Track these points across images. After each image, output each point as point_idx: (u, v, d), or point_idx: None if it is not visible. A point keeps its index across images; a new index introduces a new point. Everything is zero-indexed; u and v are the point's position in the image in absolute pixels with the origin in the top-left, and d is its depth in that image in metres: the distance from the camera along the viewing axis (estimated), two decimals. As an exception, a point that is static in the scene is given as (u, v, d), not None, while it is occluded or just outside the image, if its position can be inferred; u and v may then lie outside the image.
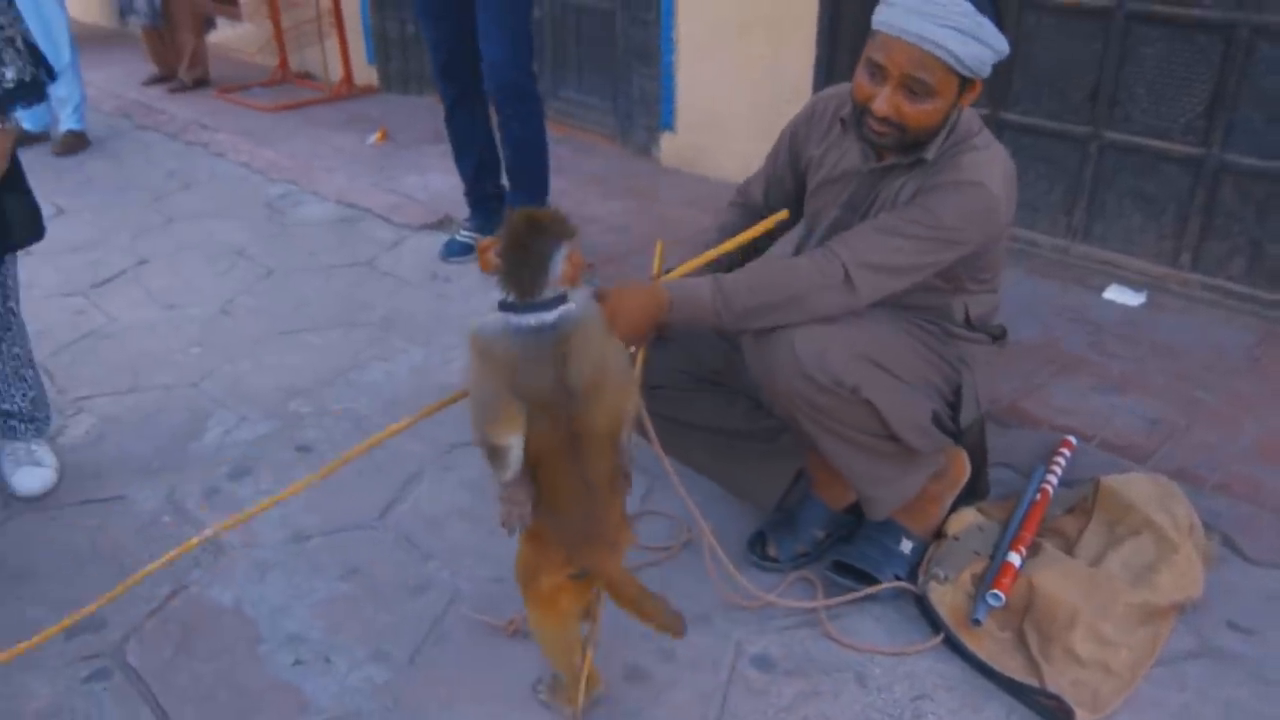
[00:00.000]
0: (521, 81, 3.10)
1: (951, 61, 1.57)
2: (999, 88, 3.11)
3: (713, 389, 1.97)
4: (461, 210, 3.54)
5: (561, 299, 1.32)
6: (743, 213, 2.01)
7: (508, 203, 3.33)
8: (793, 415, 1.73)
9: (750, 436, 1.97)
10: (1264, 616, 1.82)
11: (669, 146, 4.11)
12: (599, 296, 1.52)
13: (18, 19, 1.94)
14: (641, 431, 1.73)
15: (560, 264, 1.30)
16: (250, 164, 4.37)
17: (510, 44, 3.02)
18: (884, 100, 1.62)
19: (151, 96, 5.40)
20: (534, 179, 3.25)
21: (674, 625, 1.50)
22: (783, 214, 1.85)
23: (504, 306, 1.32)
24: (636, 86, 4.15)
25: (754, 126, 3.76)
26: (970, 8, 1.55)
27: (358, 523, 2.10)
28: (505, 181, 3.37)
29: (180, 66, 5.54)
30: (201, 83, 5.52)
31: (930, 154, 1.69)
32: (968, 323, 1.86)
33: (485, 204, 3.41)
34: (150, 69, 5.67)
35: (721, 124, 3.88)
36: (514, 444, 1.33)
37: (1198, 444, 2.25)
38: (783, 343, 1.66)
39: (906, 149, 1.71)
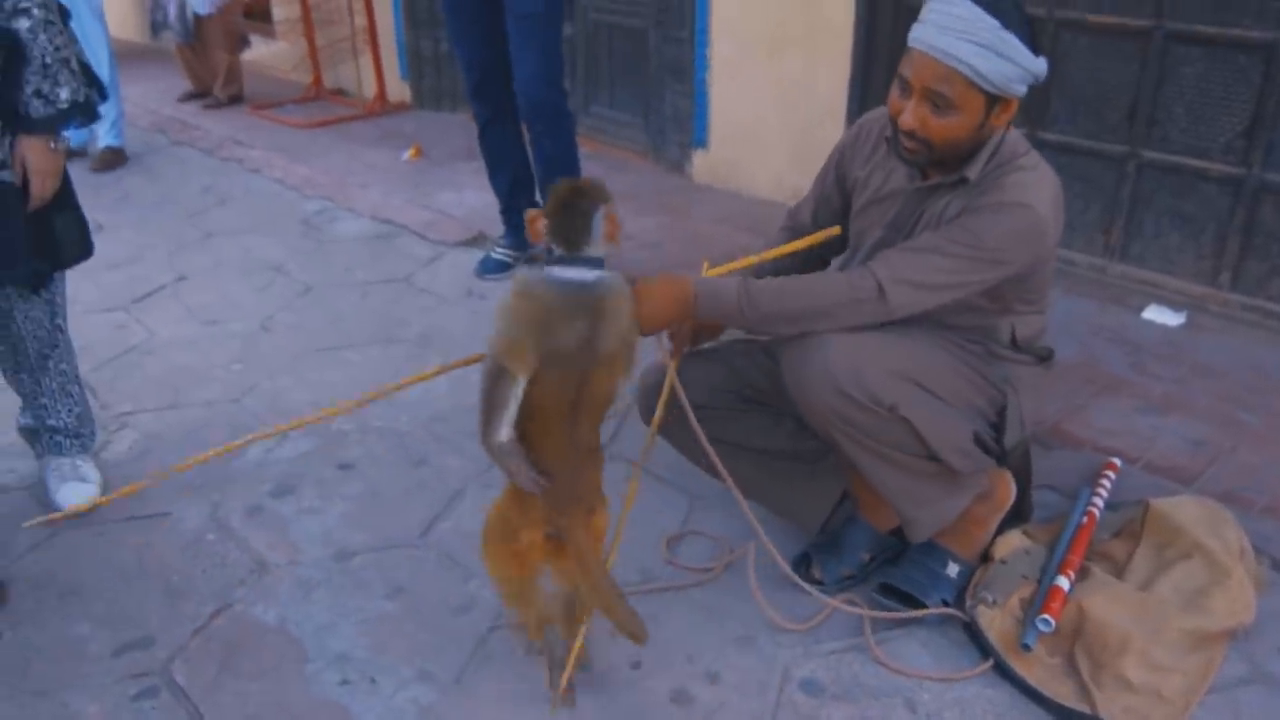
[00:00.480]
0: (553, 99, 3.13)
1: (972, 76, 1.57)
2: (1036, 107, 3.10)
3: (758, 409, 1.97)
4: (496, 227, 3.56)
5: (601, 263, 1.47)
6: (792, 236, 2.01)
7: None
8: (829, 432, 1.73)
9: (795, 457, 1.97)
10: (1317, 644, 1.80)
11: (701, 163, 4.12)
12: (629, 281, 1.59)
13: (72, 40, 1.97)
14: (690, 448, 1.75)
15: (601, 223, 1.46)
16: (285, 180, 4.41)
17: (541, 62, 3.05)
18: (909, 113, 1.63)
19: (187, 113, 5.47)
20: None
21: (632, 625, 1.55)
22: (834, 230, 1.85)
23: (550, 260, 1.46)
24: (669, 103, 4.17)
25: (788, 143, 3.77)
26: (995, 24, 1.55)
27: (401, 540, 2.11)
28: (539, 199, 3.39)
29: (215, 83, 5.61)
30: (236, 99, 5.59)
31: (972, 174, 1.69)
32: (1014, 344, 1.85)
33: (520, 222, 3.42)
34: (185, 85, 5.74)
35: (755, 141, 3.89)
36: (516, 389, 1.44)
37: (1243, 466, 2.23)
38: (817, 358, 1.66)
39: (944, 167, 1.71)
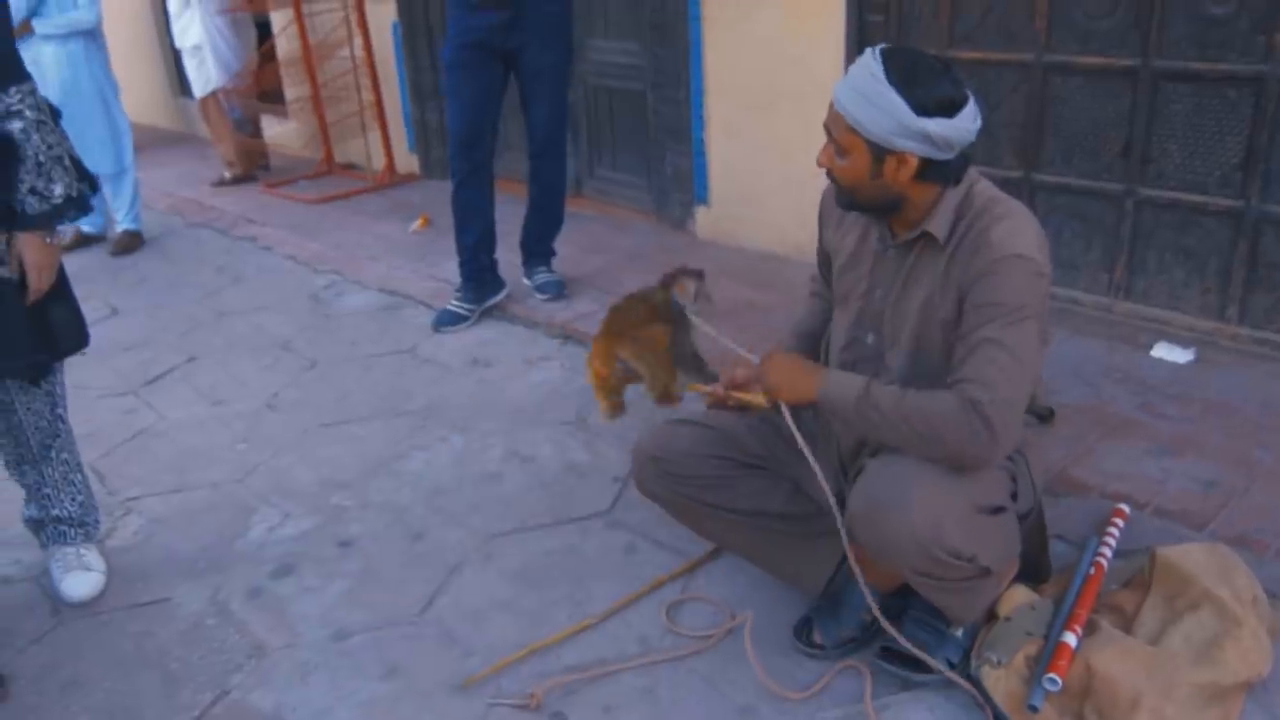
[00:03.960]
0: (561, 138, 3.53)
1: (850, 121, 1.62)
2: (1030, 149, 3.10)
3: (753, 472, 1.95)
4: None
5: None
6: (819, 301, 2.07)
7: (531, 230, 3.67)
8: (901, 572, 1.73)
9: (795, 520, 1.95)
10: (1340, 692, 1.73)
11: (704, 220, 4.14)
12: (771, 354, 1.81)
13: (64, 138, 2.03)
14: (686, 516, 1.96)
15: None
16: (296, 256, 4.48)
17: (557, 105, 3.44)
18: (821, 151, 1.70)
19: (203, 194, 5.60)
20: (554, 212, 3.66)
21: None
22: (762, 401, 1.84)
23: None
24: (670, 163, 4.21)
25: (786, 198, 3.79)
26: (880, 75, 1.58)
27: (399, 618, 2.09)
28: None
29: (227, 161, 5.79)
30: (244, 179, 5.76)
31: (936, 230, 1.69)
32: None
33: (479, 276, 3.61)
34: (202, 167, 5.94)
35: (755, 196, 3.91)
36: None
37: (1257, 507, 2.17)
38: (898, 521, 1.61)
39: (899, 222, 1.74)
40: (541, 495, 2.50)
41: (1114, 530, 2.08)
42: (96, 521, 2.32)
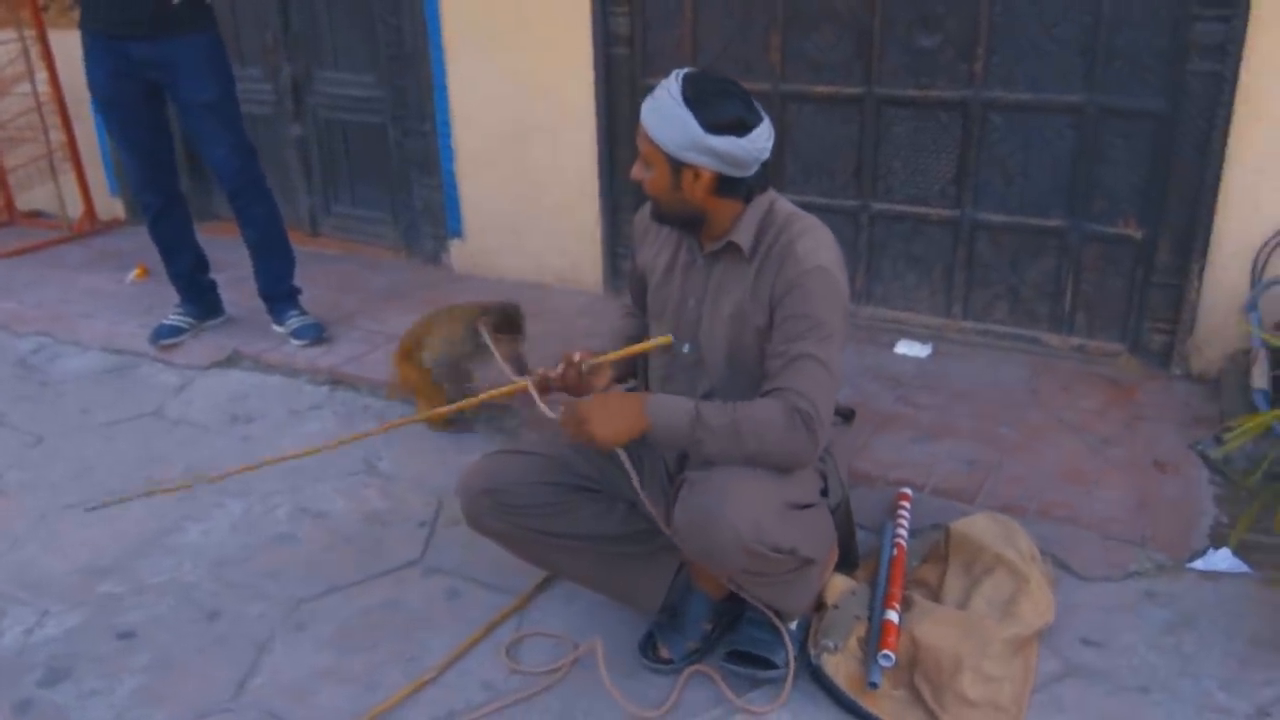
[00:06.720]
0: (254, 167, 3.34)
1: (651, 134, 1.73)
2: (773, 172, 3.33)
3: (590, 496, 1.95)
4: (252, 344, 3.45)
5: None
6: (634, 322, 2.12)
7: (264, 276, 3.50)
8: (729, 578, 1.80)
9: (633, 539, 1.96)
10: (1107, 628, 2.00)
11: (459, 253, 4.08)
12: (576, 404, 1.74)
13: None
14: (522, 547, 1.89)
15: None
16: (-12, 319, 3.91)
17: (233, 138, 3.24)
18: (635, 167, 1.81)
19: None
20: (281, 249, 3.49)
21: None
22: (665, 339, 1.83)
23: None
24: (418, 196, 4.11)
25: (544, 226, 3.82)
26: (674, 95, 1.70)
27: (211, 706, 1.88)
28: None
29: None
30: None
31: (739, 239, 1.79)
32: None
33: (200, 297, 3.61)
34: None
35: (511, 226, 3.90)
36: None
37: (1011, 477, 2.46)
38: (720, 522, 1.65)
39: (707, 235, 1.83)
40: (346, 551, 2.34)
41: (904, 513, 2.28)
42: None
